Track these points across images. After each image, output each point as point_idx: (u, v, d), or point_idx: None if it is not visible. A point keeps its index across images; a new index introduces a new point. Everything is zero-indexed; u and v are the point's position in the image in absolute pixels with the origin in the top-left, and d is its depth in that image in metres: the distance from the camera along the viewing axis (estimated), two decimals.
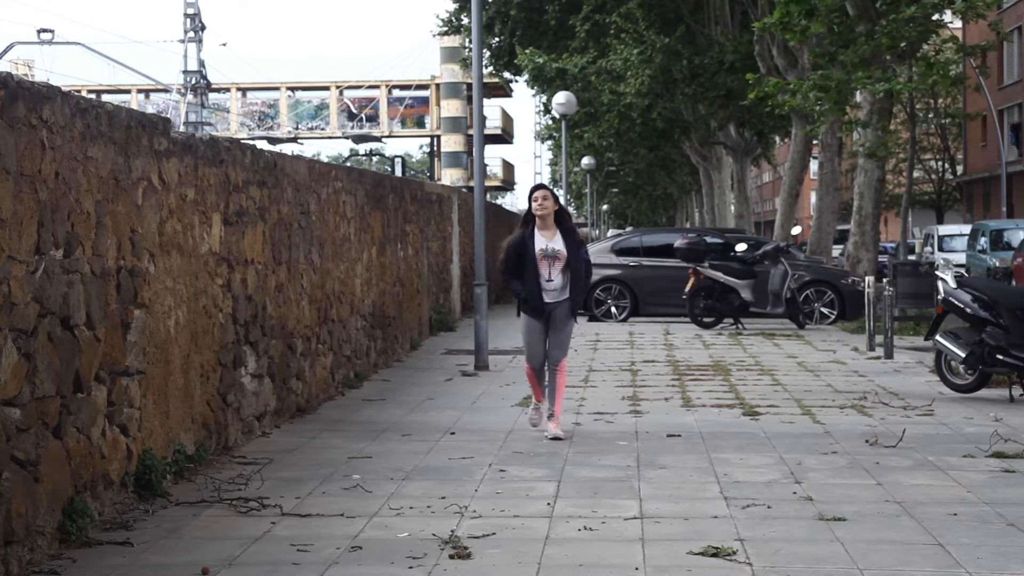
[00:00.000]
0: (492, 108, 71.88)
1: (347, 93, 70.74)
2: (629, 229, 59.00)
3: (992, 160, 51.53)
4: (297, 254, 10.79)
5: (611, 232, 68.44)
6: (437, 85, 70.12)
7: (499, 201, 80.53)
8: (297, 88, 72.11)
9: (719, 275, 20.09)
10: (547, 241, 9.44)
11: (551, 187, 9.65)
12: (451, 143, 70.69)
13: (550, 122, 50.39)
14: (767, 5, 27.82)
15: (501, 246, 9.86)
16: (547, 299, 9.44)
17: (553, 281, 9.42)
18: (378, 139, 73.67)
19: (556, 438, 9.27)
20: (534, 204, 9.48)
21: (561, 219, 9.55)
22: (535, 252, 9.41)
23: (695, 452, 8.81)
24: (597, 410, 10.93)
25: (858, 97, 24.19)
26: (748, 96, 24.71)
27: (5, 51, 52.33)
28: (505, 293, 18.40)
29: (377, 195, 14.38)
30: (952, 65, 21.39)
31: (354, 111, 70.34)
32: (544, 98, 40.69)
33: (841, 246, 42.27)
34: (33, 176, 6.01)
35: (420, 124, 71.56)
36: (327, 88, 71.58)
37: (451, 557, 6.00)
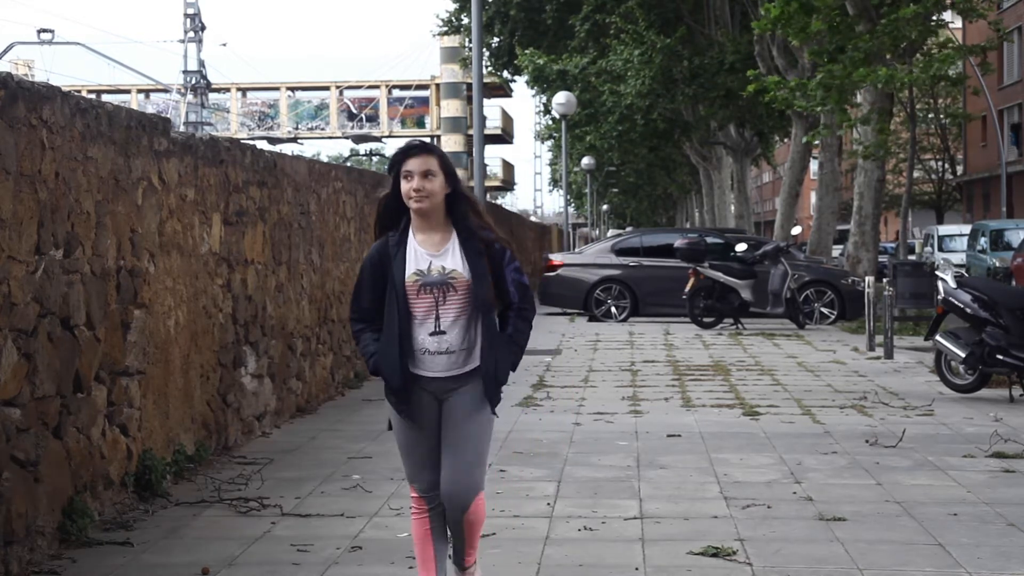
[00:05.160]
0: (492, 108, 71.90)
1: (347, 93, 70.74)
2: (629, 229, 59.01)
3: (992, 160, 51.53)
4: (297, 254, 10.79)
5: (611, 232, 68.47)
6: (437, 85, 70.12)
7: (499, 201, 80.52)
8: (297, 88, 72.11)
9: (719, 275, 20.10)
10: (430, 256, 4.84)
11: (439, 150, 4.91)
12: (451, 143, 70.63)
13: (550, 122, 50.40)
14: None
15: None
16: (428, 371, 4.84)
17: (445, 335, 4.80)
18: (378, 139, 73.65)
19: None
20: (404, 184, 4.87)
21: (459, 211, 4.90)
22: (403, 280, 4.80)
23: (695, 452, 8.80)
24: (597, 410, 10.93)
25: (859, 97, 24.19)
26: (747, 89, 24.71)
27: (5, 51, 52.30)
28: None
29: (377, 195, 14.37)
30: (952, 63, 21.39)
31: (354, 111, 70.35)
32: (544, 98, 40.71)
33: (841, 246, 42.28)
34: (33, 176, 6.01)
35: (420, 124, 71.56)
36: (327, 88, 71.58)
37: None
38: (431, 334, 4.82)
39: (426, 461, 4.97)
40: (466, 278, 4.81)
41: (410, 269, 4.82)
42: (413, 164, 4.85)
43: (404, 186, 4.87)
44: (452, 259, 4.84)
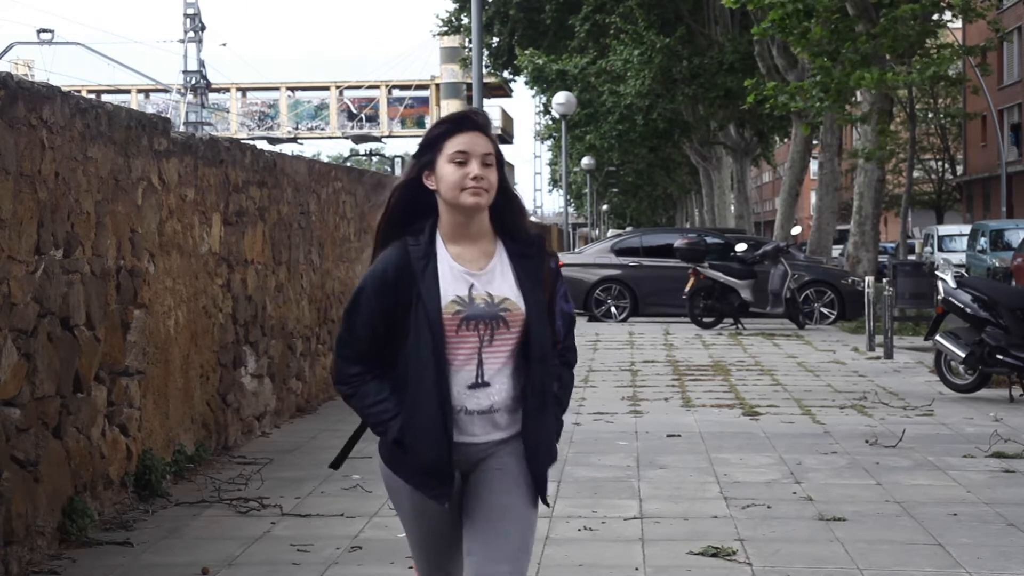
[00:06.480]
0: (492, 108, 71.82)
1: (347, 93, 70.76)
2: (629, 229, 59.03)
3: (992, 160, 51.54)
4: (297, 254, 10.80)
5: (611, 232, 68.47)
6: (437, 85, 70.13)
7: None
8: (297, 88, 72.13)
9: (719, 275, 20.10)
10: (471, 277, 3.40)
11: (491, 124, 3.41)
12: None
13: (550, 122, 50.42)
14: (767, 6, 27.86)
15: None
16: (463, 435, 3.42)
17: (489, 388, 3.40)
18: (378, 139, 73.68)
19: None
20: (454, 170, 3.33)
21: (509, 217, 3.46)
22: (438, 309, 3.35)
23: (695, 452, 8.80)
24: (597, 410, 10.92)
25: (858, 96, 24.18)
26: (747, 99, 24.75)
27: (5, 51, 52.34)
28: None
29: (377, 195, 14.38)
30: (952, 64, 21.38)
31: (354, 111, 70.37)
32: (544, 98, 40.77)
33: (841, 246, 42.29)
34: (33, 176, 6.01)
35: (420, 124, 71.52)
36: (327, 88, 71.60)
37: None
38: (470, 386, 3.39)
39: (448, 552, 3.56)
40: (521, 311, 3.39)
41: (447, 295, 3.35)
42: (468, 143, 3.34)
43: (453, 173, 3.33)
44: (502, 283, 3.41)
